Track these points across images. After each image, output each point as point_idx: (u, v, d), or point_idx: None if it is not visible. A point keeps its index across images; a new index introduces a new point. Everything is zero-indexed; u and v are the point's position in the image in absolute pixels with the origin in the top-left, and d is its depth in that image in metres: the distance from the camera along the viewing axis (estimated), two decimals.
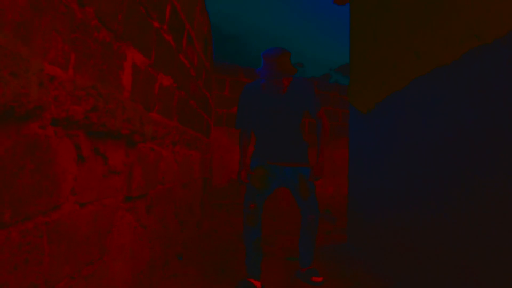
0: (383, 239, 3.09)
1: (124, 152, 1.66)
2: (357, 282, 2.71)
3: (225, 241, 3.96)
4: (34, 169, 1.00)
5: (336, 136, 7.50)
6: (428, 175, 2.43)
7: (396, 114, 2.93)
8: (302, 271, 2.77)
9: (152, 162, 2.12)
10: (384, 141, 3.15)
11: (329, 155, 7.40)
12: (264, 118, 2.73)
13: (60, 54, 1.10)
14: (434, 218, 2.34)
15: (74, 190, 1.23)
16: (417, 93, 2.59)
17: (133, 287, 1.90)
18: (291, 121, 2.74)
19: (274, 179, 2.72)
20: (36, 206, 1.02)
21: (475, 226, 1.96)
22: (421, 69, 2.53)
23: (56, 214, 1.12)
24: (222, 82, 6.37)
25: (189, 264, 2.92)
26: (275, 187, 2.78)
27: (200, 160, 3.93)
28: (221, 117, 6.33)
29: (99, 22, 1.35)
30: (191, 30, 3.05)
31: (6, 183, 0.89)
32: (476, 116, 1.98)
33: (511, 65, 1.72)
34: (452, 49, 2.19)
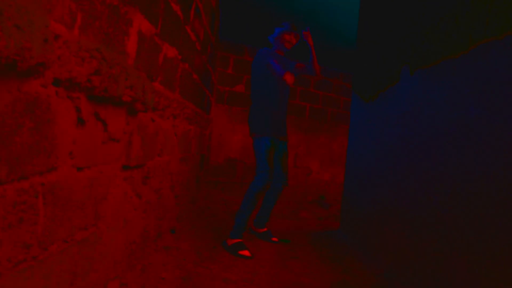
0: (375, 226, 3.10)
1: (124, 120, 1.64)
2: (348, 267, 2.73)
3: (219, 218, 3.97)
4: (33, 128, 0.98)
5: (336, 123, 7.47)
6: (426, 168, 2.42)
7: (398, 105, 2.90)
8: (259, 231, 3.38)
9: (152, 133, 2.09)
10: (384, 131, 3.13)
11: (327, 143, 7.39)
12: (279, 86, 3.19)
13: (66, 12, 1.06)
14: (428, 208, 2.34)
15: (72, 153, 1.21)
16: (422, 84, 2.56)
17: (125, 256, 1.91)
18: (288, 92, 3.29)
19: (276, 153, 3.29)
20: (33, 166, 1.00)
21: (471, 214, 1.96)
22: (426, 62, 2.50)
23: (52, 175, 1.11)
24: (226, 60, 6.30)
25: (182, 238, 2.93)
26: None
27: (199, 136, 3.91)
28: (222, 94, 6.28)
29: None
30: (199, 2, 2.99)
31: (4, 139, 0.87)
32: (479, 109, 1.96)
33: None
34: (462, 43, 2.15)
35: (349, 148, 4.02)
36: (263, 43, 8.93)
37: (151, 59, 1.91)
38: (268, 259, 2.77)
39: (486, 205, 1.86)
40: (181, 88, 2.69)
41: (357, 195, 3.66)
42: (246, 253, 2.77)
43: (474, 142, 2.00)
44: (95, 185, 1.44)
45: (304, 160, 7.04)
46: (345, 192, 4.00)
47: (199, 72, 3.47)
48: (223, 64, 6.31)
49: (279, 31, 3.23)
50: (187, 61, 2.79)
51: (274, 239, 3.28)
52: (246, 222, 2.96)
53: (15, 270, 0.97)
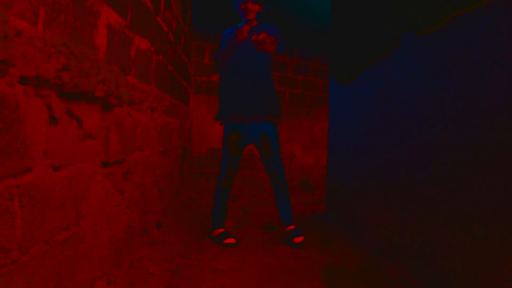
0: (360, 206, 3.14)
1: (99, 116, 1.60)
2: (335, 249, 2.77)
3: (205, 209, 3.96)
4: (3, 129, 0.95)
5: (316, 107, 7.50)
6: (408, 143, 2.46)
7: (376, 83, 2.92)
8: (285, 231, 2.91)
9: (130, 128, 2.06)
10: (363, 109, 3.15)
11: (309, 126, 7.42)
12: (234, 57, 2.83)
13: (27, 7, 1.02)
14: (411, 182, 2.38)
15: (46, 152, 1.18)
16: (397, 61, 2.58)
17: (110, 253, 1.89)
18: (258, 62, 2.83)
19: (244, 139, 2.86)
20: (6, 168, 0.97)
21: (453, 184, 2.00)
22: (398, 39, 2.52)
23: (27, 177, 1.08)
24: (201, 49, 6.22)
25: (168, 231, 2.91)
26: (245, 146, 2.91)
27: (179, 128, 3.87)
28: (200, 84, 6.21)
29: None
30: None
31: None
32: (456, 84, 1.98)
33: (493, 32, 1.72)
34: (435, 16, 2.17)
35: (330, 130, 4.05)
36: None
37: (123, 52, 1.87)
38: (256, 246, 2.78)
39: (470, 173, 1.89)
40: (157, 80, 2.65)
41: (340, 176, 3.69)
42: (230, 240, 2.76)
43: (452, 111, 2.03)
44: (74, 183, 1.41)
45: (286, 145, 7.06)
46: (328, 174, 4.04)
47: (174, 63, 3.42)
48: (198, 54, 6.23)
49: (234, 3, 2.92)
50: (161, 52, 2.74)
51: (299, 238, 2.78)
52: (220, 210, 2.93)
53: None
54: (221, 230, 2.88)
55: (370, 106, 3.04)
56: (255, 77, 2.82)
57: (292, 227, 2.89)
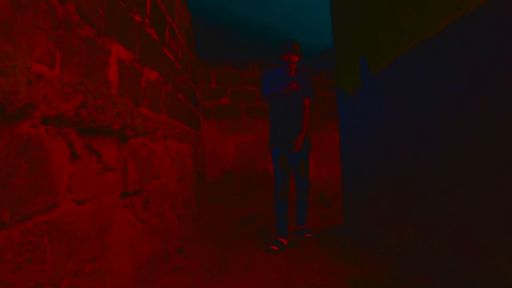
0: (378, 216, 3.13)
1: (117, 148, 1.65)
2: (358, 261, 2.75)
3: (224, 232, 3.97)
4: (29, 169, 1.00)
5: (325, 120, 7.52)
6: (419, 149, 2.46)
7: (383, 91, 2.95)
8: (298, 229, 3.75)
9: (145, 157, 2.11)
10: (372, 119, 3.17)
11: (320, 141, 7.43)
12: (274, 101, 3.59)
13: (45, 52, 1.09)
14: (427, 188, 2.37)
15: (70, 188, 1.23)
16: (402, 69, 2.62)
17: (136, 282, 1.91)
18: (298, 102, 3.59)
19: (289, 160, 3.53)
20: (35, 205, 1.02)
21: (467, 189, 1.99)
22: (405, 45, 2.55)
23: (54, 212, 1.12)
24: (207, 75, 6.34)
25: (190, 257, 2.93)
26: (291, 166, 3.58)
27: (192, 153, 3.93)
28: (209, 109, 6.31)
29: (81, 18, 1.34)
30: (173, 23, 3.03)
31: (2, 183, 0.89)
32: (461, 88, 2.00)
33: (492, 32, 1.74)
34: (434, 21, 2.21)
35: (341, 142, 4.06)
36: (243, 53, 9.01)
37: (134, 85, 1.94)
38: (278, 264, 2.78)
39: (481, 180, 1.89)
40: (168, 109, 2.71)
41: (356, 188, 3.69)
42: (274, 247, 3.17)
43: (461, 118, 2.04)
44: (97, 215, 1.45)
45: None
46: (344, 187, 4.03)
47: (183, 90, 3.50)
48: (205, 80, 6.35)
49: (279, 54, 3.63)
50: (170, 81, 2.82)
51: (308, 235, 3.62)
52: (279, 220, 3.42)
53: None
54: (281, 239, 3.30)
55: (378, 117, 3.06)
56: (295, 117, 3.57)
57: (304, 226, 3.76)
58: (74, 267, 1.23)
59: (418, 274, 2.35)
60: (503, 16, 1.69)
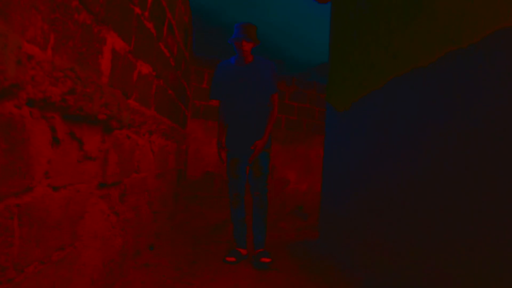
0: (353, 234, 3.15)
1: (100, 138, 1.63)
2: (328, 277, 2.76)
3: (198, 233, 3.95)
4: (8, 149, 0.98)
5: (312, 134, 7.57)
6: (402, 173, 2.50)
7: (372, 113, 2.99)
8: (255, 253, 3.05)
9: (128, 150, 2.09)
10: (358, 139, 3.20)
11: (304, 153, 7.47)
12: (232, 88, 3.14)
13: (39, 33, 1.07)
14: (403, 211, 2.40)
15: (48, 173, 1.20)
16: (393, 93, 2.66)
17: (103, 275, 1.88)
18: (255, 95, 3.10)
19: (243, 163, 3.17)
20: (8, 188, 0.99)
21: (447, 215, 2.03)
22: (398, 70, 2.59)
23: (28, 196, 1.10)
24: (201, 74, 6.32)
25: (161, 254, 2.90)
26: (245, 168, 3.19)
27: (175, 151, 3.90)
28: (198, 109, 6.29)
29: (80, 3, 1.32)
30: (172, 19, 3.01)
31: None
32: (449, 117, 2.04)
33: (484, 69, 1.79)
34: (429, 51, 2.25)
35: (325, 157, 4.09)
36: None
37: (125, 76, 1.92)
38: (248, 272, 2.77)
39: (461, 201, 1.93)
40: (157, 104, 2.69)
41: (334, 204, 3.71)
42: (230, 259, 2.94)
43: (446, 142, 2.08)
44: (72, 204, 1.43)
45: (281, 171, 7.10)
46: (322, 202, 4.06)
47: (174, 87, 3.48)
48: (197, 79, 6.33)
49: (229, 40, 3.05)
50: (162, 77, 2.80)
51: (266, 259, 2.90)
52: (236, 229, 3.20)
53: None
54: (239, 249, 3.10)
55: (364, 136, 3.09)
56: (253, 118, 3.11)
57: (262, 249, 3.06)
58: (41, 254, 1.21)
59: None
60: (493, 56, 1.73)
